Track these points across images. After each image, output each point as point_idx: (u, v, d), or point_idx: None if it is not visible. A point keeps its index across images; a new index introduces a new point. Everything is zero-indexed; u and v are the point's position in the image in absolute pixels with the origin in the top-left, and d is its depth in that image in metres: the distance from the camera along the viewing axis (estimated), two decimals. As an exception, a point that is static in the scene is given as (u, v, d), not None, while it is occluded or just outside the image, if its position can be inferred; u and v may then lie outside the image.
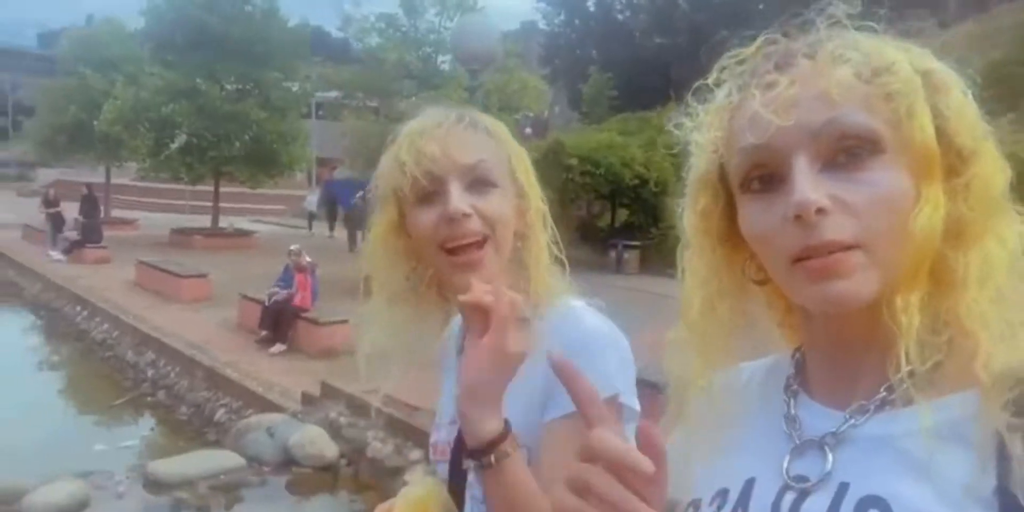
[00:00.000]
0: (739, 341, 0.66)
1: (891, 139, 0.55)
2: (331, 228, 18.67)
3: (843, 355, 0.60)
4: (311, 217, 20.08)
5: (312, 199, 20.44)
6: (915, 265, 0.55)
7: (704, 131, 0.62)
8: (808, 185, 0.54)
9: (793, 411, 0.62)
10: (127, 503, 4.70)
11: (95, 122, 17.15)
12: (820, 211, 0.53)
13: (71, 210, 15.54)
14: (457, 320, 1.02)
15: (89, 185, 16.75)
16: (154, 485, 4.88)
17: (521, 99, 15.39)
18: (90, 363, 8.94)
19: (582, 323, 0.87)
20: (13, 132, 35.90)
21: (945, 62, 0.58)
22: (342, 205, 18.64)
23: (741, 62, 0.61)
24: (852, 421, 0.58)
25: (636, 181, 13.59)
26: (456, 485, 0.89)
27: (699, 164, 0.63)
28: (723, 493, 0.62)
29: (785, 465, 0.59)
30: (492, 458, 0.76)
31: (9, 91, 38.79)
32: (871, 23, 0.59)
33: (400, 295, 0.94)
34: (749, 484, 0.60)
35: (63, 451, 5.97)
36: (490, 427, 0.77)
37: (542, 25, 31.71)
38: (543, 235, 0.94)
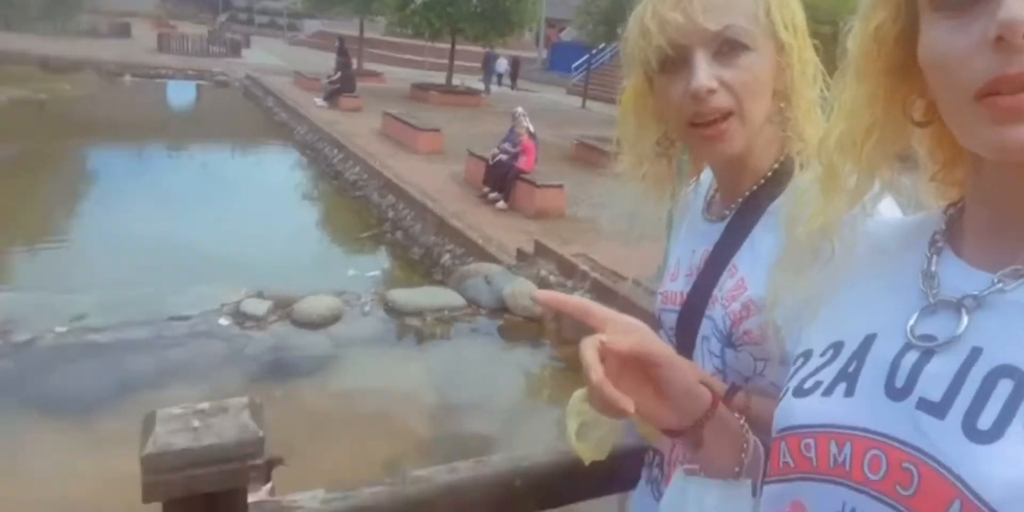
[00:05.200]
0: (870, 187, 0.59)
1: None
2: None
3: (1009, 211, 0.52)
4: (499, 77, 23.25)
5: (503, 62, 23.27)
6: None
7: None
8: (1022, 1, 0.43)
9: (933, 267, 0.55)
10: (369, 320, 5.58)
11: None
12: None
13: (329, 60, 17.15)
14: (707, 173, 1.01)
15: (342, 38, 18.12)
16: (391, 309, 5.72)
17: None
18: (343, 200, 10.24)
19: None
20: (283, -15, 39.54)
21: None
22: (561, 70, 19.34)
23: None
24: (1000, 285, 0.50)
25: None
26: (683, 335, 0.93)
27: None
28: (837, 346, 0.57)
29: (911, 323, 0.53)
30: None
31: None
32: None
33: (649, 159, 0.94)
34: (868, 340, 0.55)
35: (322, 272, 7.15)
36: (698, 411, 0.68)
37: None
38: (811, 91, 0.86)
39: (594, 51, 20.63)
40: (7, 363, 4.44)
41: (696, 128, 0.84)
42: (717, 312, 0.87)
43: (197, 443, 0.98)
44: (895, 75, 0.55)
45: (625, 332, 0.61)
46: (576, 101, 20.45)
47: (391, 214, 8.92)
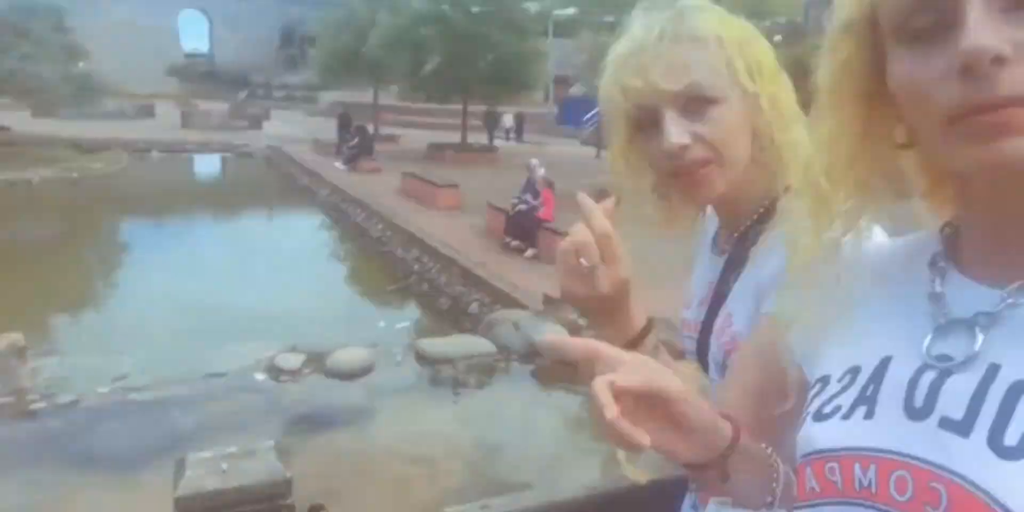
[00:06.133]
0: (861, 212, 0.59)
1: None
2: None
3: (1008, 227, 0.52)
4: (507, 132, 24.08)
5: (508, 118, 24.23)
6: None
7: None
8: (985, 28, 0.44)
9: (939, 288, 0.55)
10: (402, 370, 5.58)
11: (363, 49, 19.00)
12: (997, 60, 0.43)
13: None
14: (711, 212, 1.03)
15: (345, 111, 19.24)
16: (422, 359, 5.72)
17: (771, 4, 14.07)
18: (369, 256, 10.38)
19: None
20: (300, 60, 41.17)
21: None
22: (572, 124, 19.86)
23: None
24: (1011, 300, 0.50)
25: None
26: (703, 362, 0.97)
27: (846, 7, 0.54)
28: (854, 370, 0.57)
29: (926, 344, 0.53)
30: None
31: (297, 25, 43.99)
32: None
33: (651, 202, 0.95)
34: (884, 362, 0.55)
35: (354, 326, 7.21)
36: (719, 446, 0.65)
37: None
38: (790, 128, 0.85)
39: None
40: (53, 423, 4.52)
41: (677, 177, 0.87)
42: (713, 343, 0.91)
43: (226, 485, 1.00)
44: (870, 102, 0.55)
45: (636, 371, 0.59)
46: (591, 151, 20.76)
47: (416, 267, 9.01)
